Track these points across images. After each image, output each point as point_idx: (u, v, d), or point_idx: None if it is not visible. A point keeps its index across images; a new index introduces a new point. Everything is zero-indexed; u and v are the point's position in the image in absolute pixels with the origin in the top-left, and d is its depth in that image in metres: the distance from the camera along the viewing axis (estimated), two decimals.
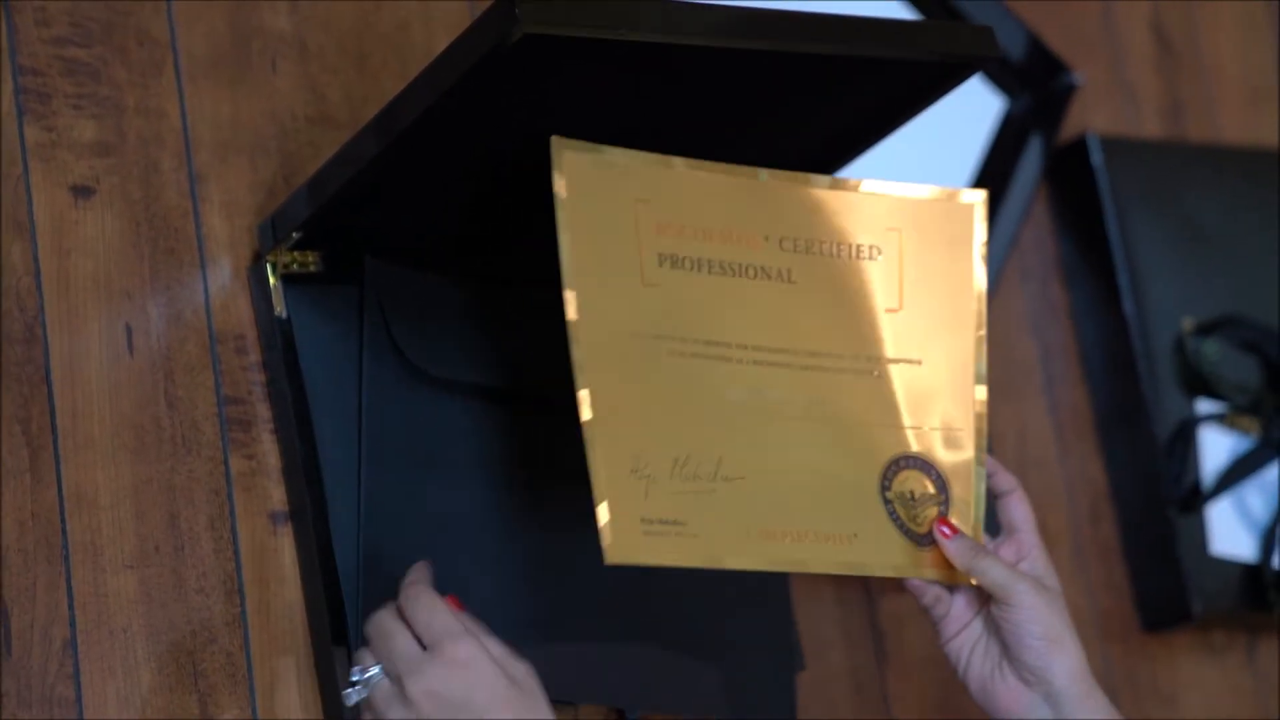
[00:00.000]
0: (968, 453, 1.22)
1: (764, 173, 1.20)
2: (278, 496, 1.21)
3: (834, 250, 1.21)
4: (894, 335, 1.21)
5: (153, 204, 1.22)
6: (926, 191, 1.24)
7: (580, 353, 1.11)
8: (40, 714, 1.10)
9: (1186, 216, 1.65)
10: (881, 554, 1.18)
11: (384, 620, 1.10)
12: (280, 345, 1.21)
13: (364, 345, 1.22)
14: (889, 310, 1.21)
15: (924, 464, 1.21)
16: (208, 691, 1.16)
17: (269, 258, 1.22)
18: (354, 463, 1.21)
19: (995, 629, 1.18)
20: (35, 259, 1.17)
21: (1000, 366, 1.57)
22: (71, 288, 1.18)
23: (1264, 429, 1.60)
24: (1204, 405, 1.59)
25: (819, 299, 1.20)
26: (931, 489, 1.20)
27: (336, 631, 1.17)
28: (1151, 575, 1.56)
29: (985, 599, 1.20)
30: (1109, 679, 1.54)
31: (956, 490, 1.21)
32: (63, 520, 1.14)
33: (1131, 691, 1.54)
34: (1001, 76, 1.61)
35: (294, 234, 1.20)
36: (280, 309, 1.22)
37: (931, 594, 1.20)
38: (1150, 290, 1.60)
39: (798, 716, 1.33)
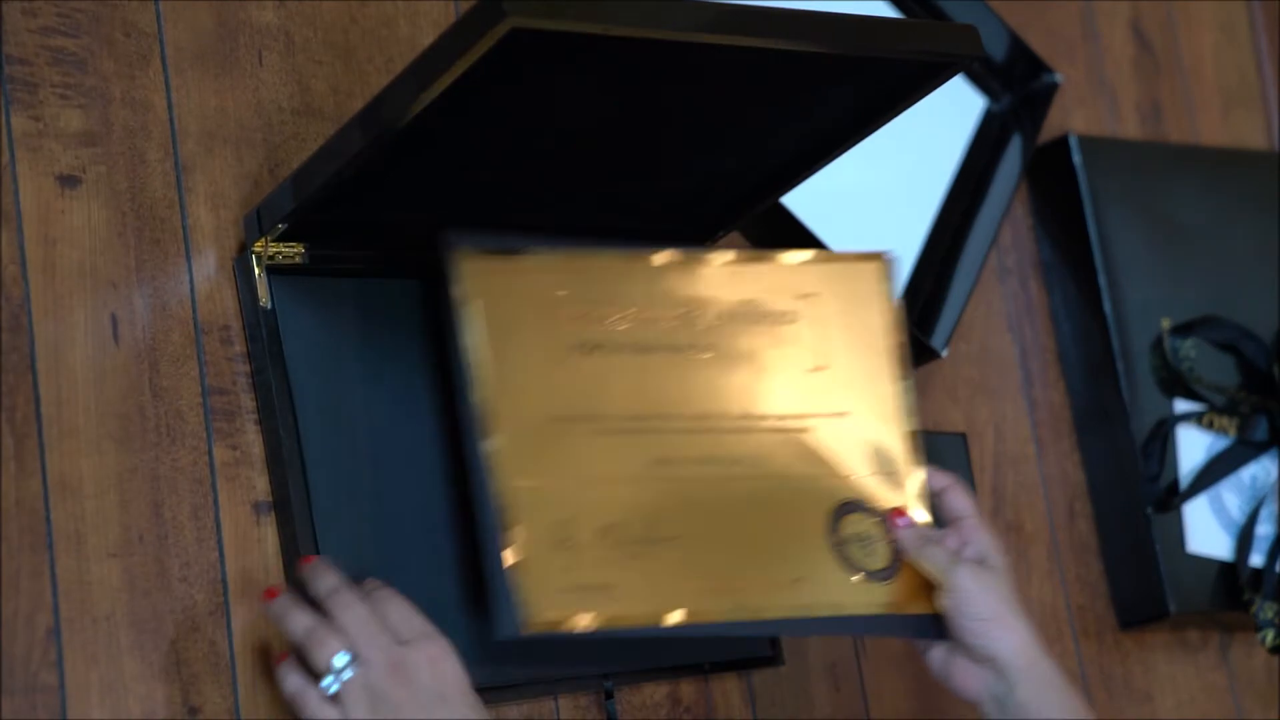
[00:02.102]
0: (906, 488, 1.28)
1: (676, 253, 1.25)
2: (261, 486, 1.21)
3: (752, 319, 1.26)
4: (820, 392, 1.27)
5: (139, 194, 1.22)
6: (837, 256, 1.30)
7: (494, 447, 1.15)
8: (23, 701, 1.10)
9: (1165, 216, 1.66)
10: (829, 594, 1.23)
11: (360, 612, 1.13)
12: (265, 336, 1.21)
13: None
14: (815, 369, 1.27)
15: (866, 507, 1.26)
16: (190, 680, 1.16)
17: (254, 249, 1.22)
18: (337, 453, 1.21)
19: (943, 615, 1.24)
20: (21, 248, 1.17)
21: (979, 365, 1.58)
22: (57, 277, 1.18)
23: (1240, 428, 1.61)
24: (1181, 404, 1.60)
25: (741, 367, 1.25)
26: (879, 528, 1.26)
27: None
28: (1128, 573, 1.57)
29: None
30: (1084, 676, 1.55)
31: None
32: (47, 508, 1.14)
33: (1106, 688, 1.55)
34: (983, 76, 1.61)
35: (279, 225, 1.20)
36: (265, 300, 1.22)
37: None
38: (1129, 290, 1.61)
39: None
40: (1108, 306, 1.60)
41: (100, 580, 1.14)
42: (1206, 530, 1.59)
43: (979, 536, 1.27)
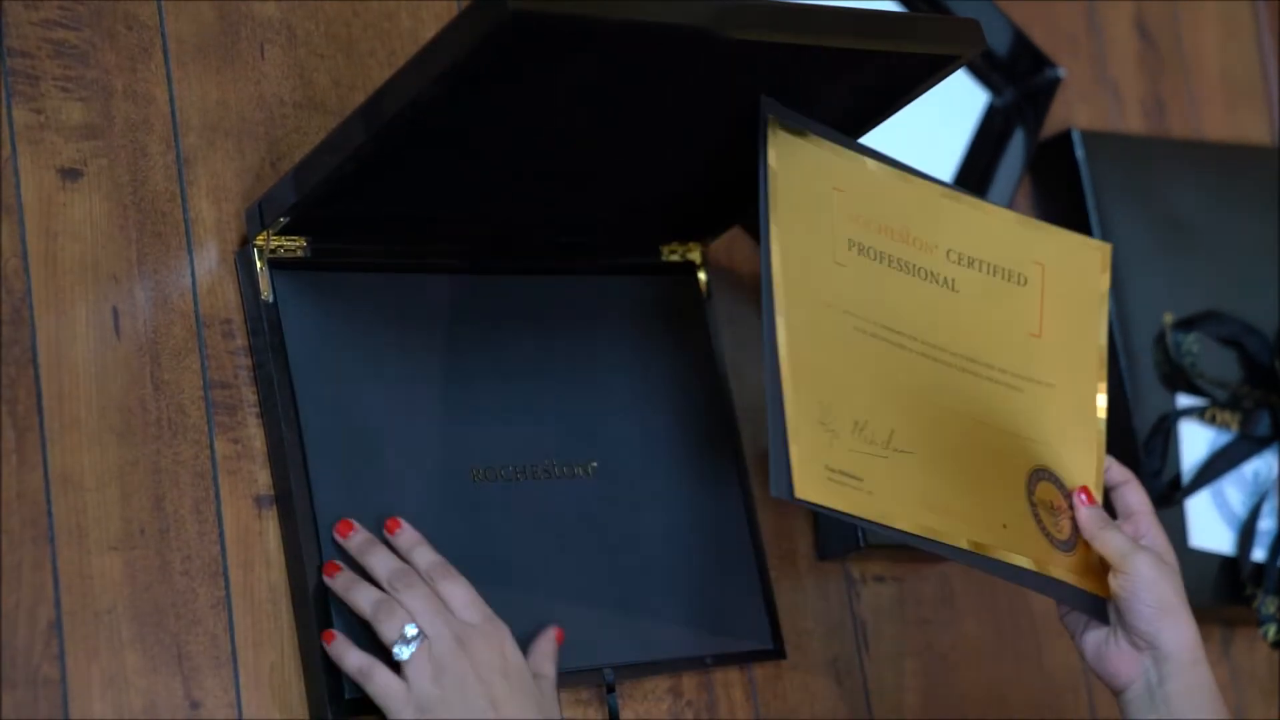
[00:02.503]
0: (1091, 472, 1.30)
1: (942, 187, 1.29)
2: (263, 480, 1.21)
3: (991, 270, 1.29)
4: (1035, 358, 1.30)
5: (140, 188, 1.22)
6: (1065, 233, 1.33)
7: (780, 309, 1.18)
8: (25, 694, 1.10)
9: (1168, 211, 1.65)
10: (1026, 547, 1.25)
11: (423, 591, 1.16)
12: (267, 330, 1.21)
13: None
14: (1031, 335, 1.30)
15: (1057, 480, 1.29)
16: (191, 674, 1.16)
17: (256, 242, 1.22)
18: (339, 446, 1.21)
19: (1112, 597, 1.25)
20: (23, 241, 1.17)
21: None
22: (59, 270, 1.18)
23: (1243, 423, 1.61)
24: (1184, 399, 1.60)
25: (976, 311, 1.28)
26: (1064, 502, 1.29)
27: (321, 615, 1.18)
28: None
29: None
30: (1086, 670, 1.55)
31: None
32: (48, 502, 1.14)
33: None
34: (986, 71, 1.61)
35: (281, 219, 1.20)
36: (267, 293, 1.22)
37: None
38: (1131, 285, 1.61)
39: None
40: (1110, 301, 1.60)
41: (102, 573, 1.14)
42: (1209, 525, 1.59)
43: (1154, 533, 1.29)
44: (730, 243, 1.44)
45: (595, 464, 1.30)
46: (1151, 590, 1.24)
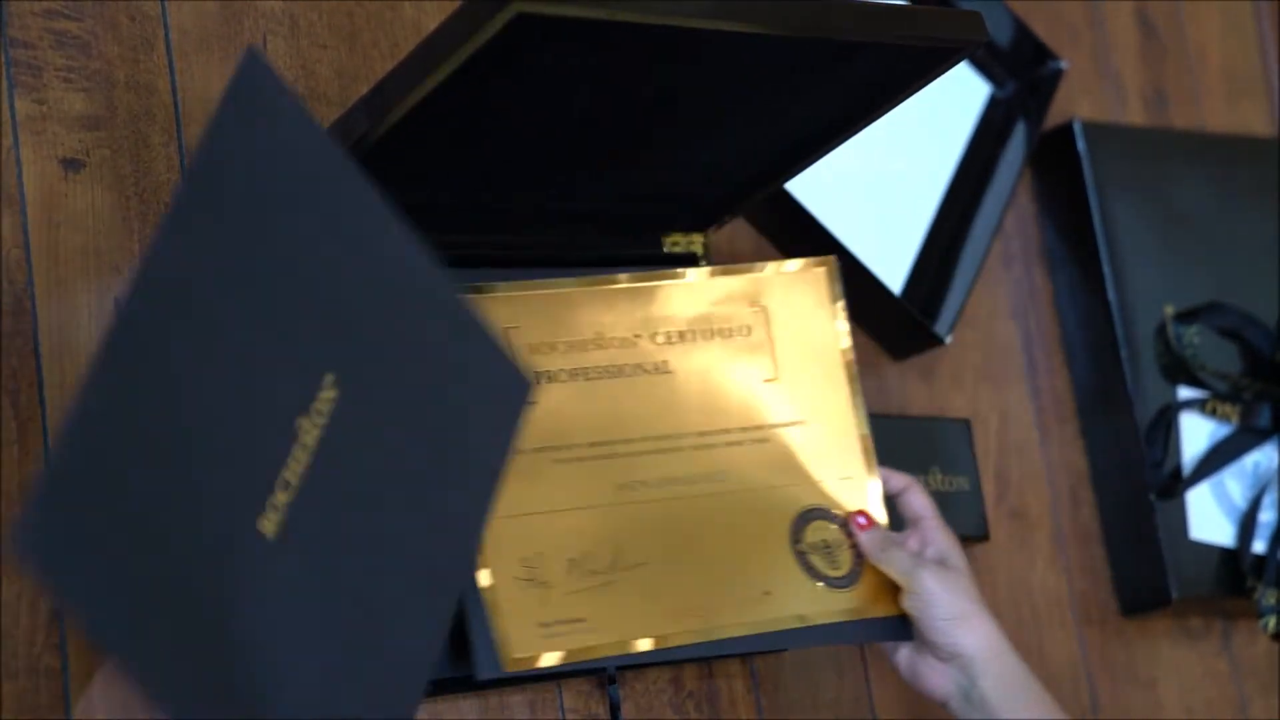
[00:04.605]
0: (864, 493, 1.29)
1: (624, 277, 1.27)
2: None
3: (705, 335, 1.28)
4: (776, 403, 1.28)
5: (142, 178, 1.22)
6: (780, 267, 1.31)
7: None
8: (27, 684, 1.10)
9: (1170, 203, 1.65)
10: (796, 605, 1.25)
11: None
12: None
13: None
14: (768, 380, 1.29)
15: (828, 513, 1.28)
16: None
17: None
18: None
19: (909, 616, 1.26)
20: (25, 231, 1.17)
21: (982, 352, 1.58)
22: (61, 260, 1.18)
23: (1243, 415, 1.61)
24: (1185, 392, 1.60)
25: (700, 383, 1.27)
26: (841, 534, 1.28)
27: None
28: (1130, 560, 1.57)
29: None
30: (1087, 662, 1.55)
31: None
32: None
33: (1109, 675, 1.55)
34: (987, 63, 1.61)
35: None
36: None
37: None
38: (1133, 276, 1.61)
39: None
40: (1111, 293, 1.60)
41: None
42: (1209, 517, 1.59)
43: (939, 537, 1.29)
44: (733, 232, 1.44)
45: None
46: (940, 605, 1.24)
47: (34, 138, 1.19)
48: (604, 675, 1.27)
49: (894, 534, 1.28)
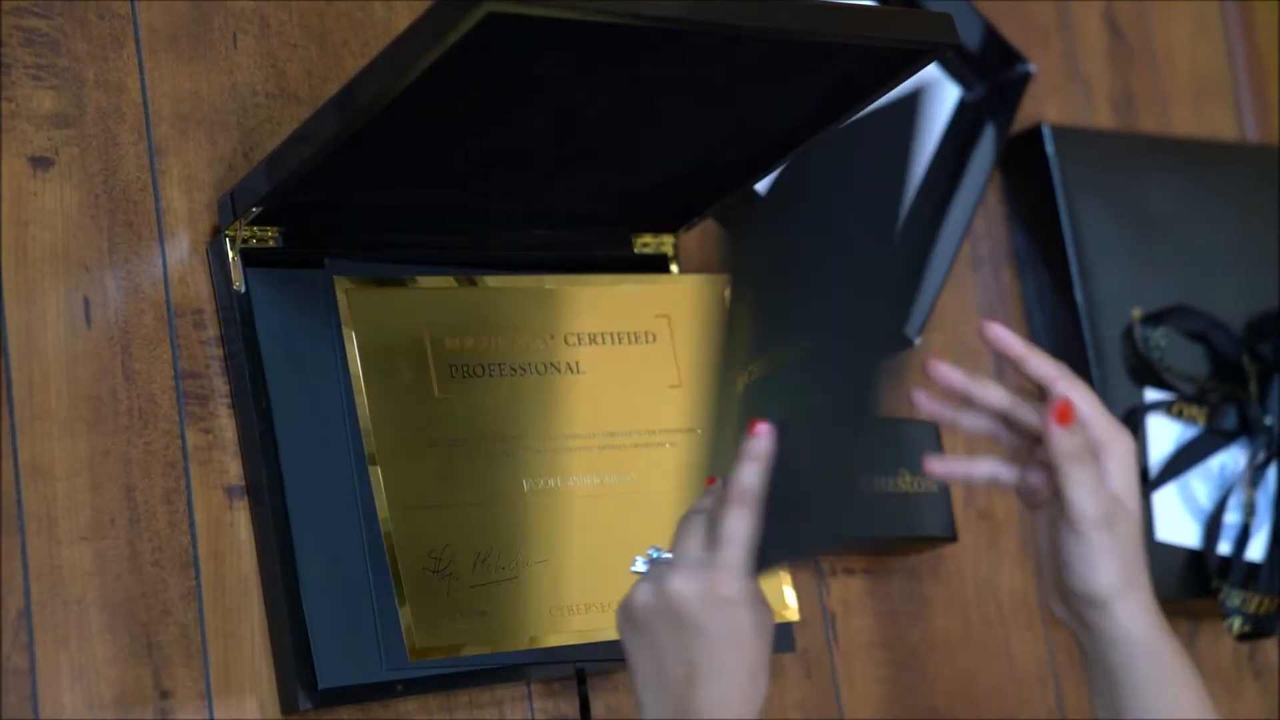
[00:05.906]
0: None
1: (549, 279, 1.30)
2: (234, 470, 1.21)
3: (616, 339, 1.31)
4: (679, 408, 1.31)
5: (111, 177, 1.22)
6: (685, 280, 1.35)
7: (380, 465, 1.19)
8: None
9: (1137, 206, 1.66)
10: None
11: (694, 519, 1.10)
12: (238, 320, 1.21)
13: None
14: (672, 386, 1.32)
15: None
16: (162, 664, 1.16)
17: (228, 232, 1.22)
18: (309, 437, 1.21)
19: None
20: None
21: (951, 353, 1.58)
22: (29, 259, 1.18)
23: (1209, 417, 1.61)
24: (1151, 394, 1.61)
25: (609, 384, 1.30)
26: None
27: (292, 606, 1.18)
28: None
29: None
30: (1054, 663, 1.55)
31: None
32: (18, 491, 1.14)
33: (1077, 675, 1.55)
34: (957, 65, 1.61)
35: (253, 209, 1.20)
36: (239, 283, 1.22)
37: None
38: (1100, 279, 1.61)
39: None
40: (1079, 296, 1.60)
41: (72, 563, 1.14)
42: (1175, 518, 1.59)
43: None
44: (703, 234, 1.44)
45: None
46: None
47: (3, 135, 1.18)
48: (574, 673, 1.27)
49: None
